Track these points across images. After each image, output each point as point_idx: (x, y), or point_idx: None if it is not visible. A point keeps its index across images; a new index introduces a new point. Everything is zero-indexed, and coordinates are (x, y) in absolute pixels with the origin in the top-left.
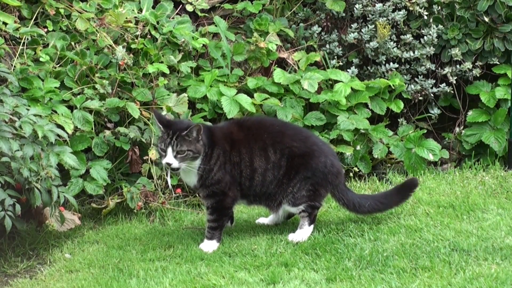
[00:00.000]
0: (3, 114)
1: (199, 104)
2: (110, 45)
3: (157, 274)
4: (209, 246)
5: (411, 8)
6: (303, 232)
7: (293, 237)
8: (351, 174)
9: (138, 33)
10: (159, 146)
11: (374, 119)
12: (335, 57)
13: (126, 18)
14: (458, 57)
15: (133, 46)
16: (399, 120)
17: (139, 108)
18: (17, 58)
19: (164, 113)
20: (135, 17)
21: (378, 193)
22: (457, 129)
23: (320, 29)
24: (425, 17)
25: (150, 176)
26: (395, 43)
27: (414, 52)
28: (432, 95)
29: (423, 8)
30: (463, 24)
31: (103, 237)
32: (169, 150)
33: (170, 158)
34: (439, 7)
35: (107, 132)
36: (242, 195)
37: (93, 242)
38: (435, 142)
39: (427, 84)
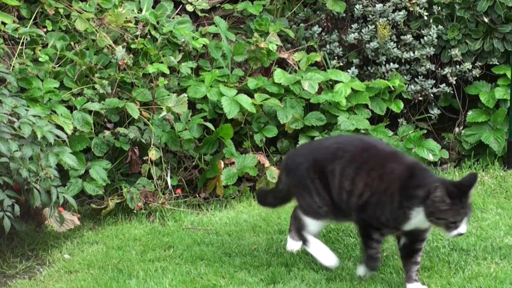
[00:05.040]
0: (2, 115)
1: (199, 105)
2: (110, 45)
3: (157, 275)
4: None
5: (411, 9)
6: None
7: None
8: None
9: (138, 33)
10: (447, 219)
11: (374, 120)
12: (336, 57)
13: (126, 18)
14: (458, 57)
15: (133, 46)
16: (399, 120)
17: (138, 109)
18: (16, 58)
19: (164, 113)
20: (135, 17)
21: None
22: (456, 129)
23: (320, 29)
24: (425, 18)
25: (150, 177)
26: (395, 44)
27: (414, 53)
28: (432, 95)
29: (423, 8)
30: (463, 24)
31: (102, 237)
32: (466, 219)
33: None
34: (439, 8)
35: (107, 133)
36: None
37: (92, 243)
38: (435, 142)
39: (427, 84)
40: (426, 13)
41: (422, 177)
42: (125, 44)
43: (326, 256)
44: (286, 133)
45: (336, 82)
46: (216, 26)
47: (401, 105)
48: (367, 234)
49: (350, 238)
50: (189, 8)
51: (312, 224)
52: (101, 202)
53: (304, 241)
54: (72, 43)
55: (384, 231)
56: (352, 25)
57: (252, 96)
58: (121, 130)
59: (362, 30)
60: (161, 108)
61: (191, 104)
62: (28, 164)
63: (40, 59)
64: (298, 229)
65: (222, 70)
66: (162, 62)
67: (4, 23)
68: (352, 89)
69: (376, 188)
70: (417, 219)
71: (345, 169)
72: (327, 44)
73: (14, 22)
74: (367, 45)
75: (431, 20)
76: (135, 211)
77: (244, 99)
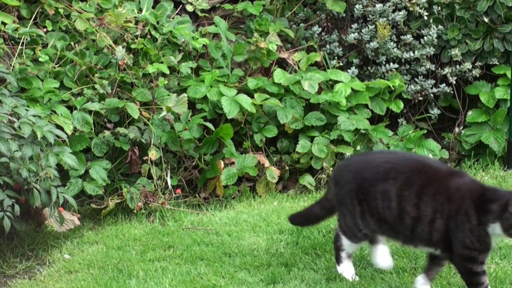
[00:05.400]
0: (2, 115)
1: (199, 105)
2: (110, 45)
3: (157, 275)
4: None
5: (411, 9)
6: None
7: None
8: None
9: (138, 33)
10: None
11: (374, 119)
12: (336, 57)
13: (126, 18)
14: (458, 57)
15: (133, 46)
16: (399, 120)
17: (138, 109)
18: (16, 58)
19: (164, 113)
20: (135, 17)
21: None
22: (456, 129)
23: (320, 29)
24: (425, 18)
25: (149, 177)
26: (395, 44)
27: (414, 53)
28: (432, 95)
29: (423, 8)
30: (463, 24)
31: (102, 237)
32: None
33: None
34: (439, 8)
35: (107, 133)
36: None
37: (92, 243)
38: (435, 142)
39: (427, 84)
40: (426, 13)
41: (492, 191)
42: (125, 44)
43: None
44: (286, 133)
45: (336, 82)
46: (216, 26)
47: (401, 105)
48: (468, 271)
49: None
50: (189, 8)
51: (349, 246)
52: (101, 202)
53: (339, 261)
54: (72, 43)
55: (480, 258)
56: (352, 25)
57: (252, 96)
58: (121, 130)
59: (362, 30)
60: (161, 108)
61: (191, 104)
62: (28, 164)
63: (40, 59)
64: (337, 249)
65: (222, 70)
66: (162, 62)
67: (4, 23)
68: (352, 89)
69: (447, 212)
70: (494, 235)
71: (403, 192)
72: (327, 44)
73: (14, 22)
74: (367, 45)
75: (431, 20)
76: (135, 211)
77: (244, 99)
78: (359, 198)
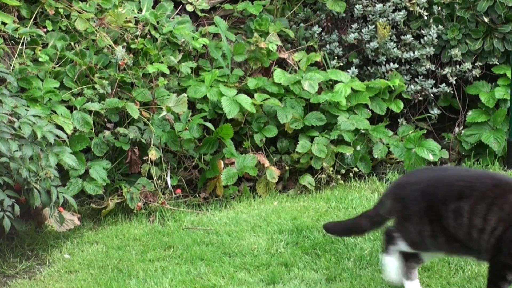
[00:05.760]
0: (2, 115)
1: (199, 105)
2: (110, 45)
3: (157, 275)
4: None
5: (411, 9)
6: None
7: None
8: (351, 174)
9: (138, 33)
10: None
11: (374, 119)
12: (336, 57)
13: (126, 18)
14: (458, 57)
15: (133, 46)
16: (399, 120)
17: (138, 109)
18: (16, 58)
19: (164, 113)
20: (135, 17)
21: None
22: (456, 129)
23: (320, 29)
24: (425, 18)
25: (149, 177)
26: (395, 44)
27: (414, 53)
28: (432, 95)
29: (423, 8)
30: (463, 24)
31: (102, 237)
32: None
33: None
34: (439, 8)
35: (107, 132)
36: None
37: (92, 243)
38: (435, 142)
39: (427, 84)
40: (426, 13)
41: None
42: (125, 44)
43: (390, 273)
44: (286, 133)
45: (336, 82)
46: (216, 26)
47: (401, 105)
48: (501, 276)
49: (350, 238)
50: (189, 8)
51: (406, 249)
52: (101, 202)
53: (387, 250)
54: (72, 43)
55: None
56: (352, 25)
57: (252, 96)
58: (121, 130)
59: (362, 30)
60: (161, 108)
61: (191, 104)
62: (28, 164)
63: (40, 59)
64: (387, 241)
65: (222, 70)
66: (162, 62)
67: (4, 23)
68: (352, 89)
69: (510, 222)
70: None
71: (475, 206)
72: (327, 44)
73: (14, 22)
74: (367, 45)
75: (431, 20)
76: (135, 211)
77: (244, 99)
78: (430, 217)
